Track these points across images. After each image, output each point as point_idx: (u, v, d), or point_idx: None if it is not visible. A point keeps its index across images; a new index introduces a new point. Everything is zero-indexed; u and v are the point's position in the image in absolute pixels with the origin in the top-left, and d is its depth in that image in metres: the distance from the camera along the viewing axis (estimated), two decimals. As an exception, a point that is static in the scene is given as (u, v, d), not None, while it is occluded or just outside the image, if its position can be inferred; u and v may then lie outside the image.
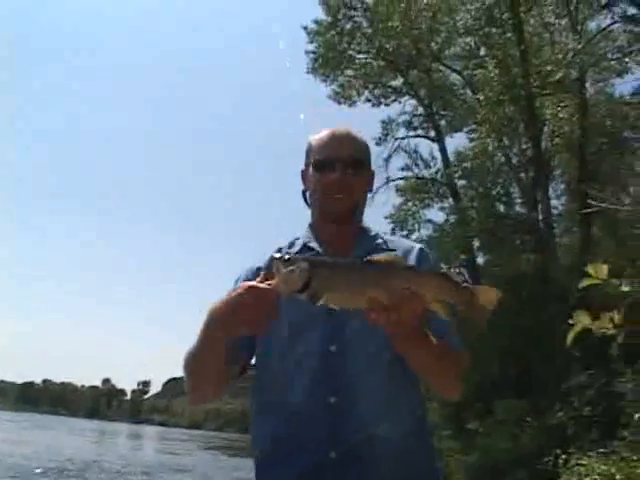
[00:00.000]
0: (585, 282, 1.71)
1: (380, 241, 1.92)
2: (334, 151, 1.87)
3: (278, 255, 1.44)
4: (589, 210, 11.91)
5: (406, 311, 1.37)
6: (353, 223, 1.90)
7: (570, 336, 1.85)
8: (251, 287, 1.45)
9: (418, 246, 1.92)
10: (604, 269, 1.69)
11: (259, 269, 1.79)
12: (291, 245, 1.91)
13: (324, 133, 1.93)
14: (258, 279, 1.48)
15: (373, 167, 2.02)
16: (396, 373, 1.71)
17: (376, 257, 1.45)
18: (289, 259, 1.42)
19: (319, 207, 1.91)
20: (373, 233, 1.96)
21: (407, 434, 1.70)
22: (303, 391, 1.68)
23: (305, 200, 1.98)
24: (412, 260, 1.83)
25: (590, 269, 1.67)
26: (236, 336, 1.54)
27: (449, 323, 1.80)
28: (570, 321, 1.80)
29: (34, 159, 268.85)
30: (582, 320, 1.81)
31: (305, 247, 1.88)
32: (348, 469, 1.61)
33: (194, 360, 1.66)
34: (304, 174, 1.96)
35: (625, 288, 1.71)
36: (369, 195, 2.02)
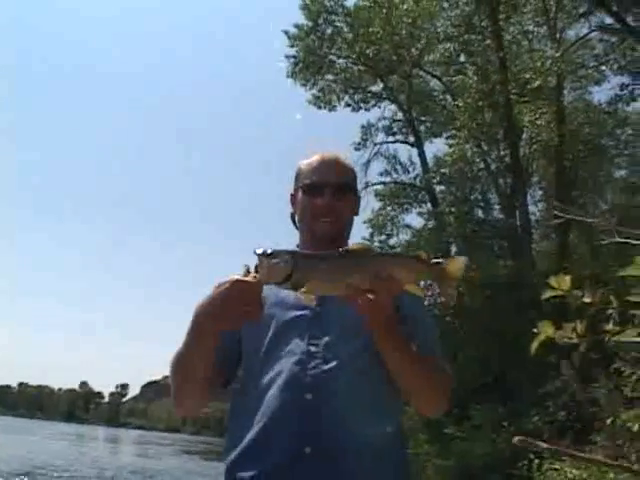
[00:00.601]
0: (547, 293, 1.73)
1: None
2: (323, 176, 1.93)
3: (260, 250, 1.48)
4: (561, 219, 12.00)
5: (383, 292, 1.47)
6: (341, 245, 1.88)
7: (534, 345, 1.88)
8: (236, 281, 1.48)
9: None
10: (567, 280, 1.72)
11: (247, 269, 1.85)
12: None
13: (313, 158, 1.98)
14: (240, 273, 1.51)
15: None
16: (375, 376, 1.73)
17: (352, 246, 1.54)
18: (272, 253, 1.47)
19: (307, 230, 1.96)
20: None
21: (382, 434, 1.72)
22: (281, 388, 1.70)
23: (294, 222, 2.03)
24: None
25: (552, 281, 1.69)
26: (224, 329, 1.56)
27: (437, 344, 1.86)
28: (535, 330, 1.83)
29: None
30: (546, 330, 1.84)
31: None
32: (322, 464, 1.63)
33: (182, 359, 1.68)
34: (293, 198, 2.01)
35: (586, 299, 1.74)
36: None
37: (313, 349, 1.73)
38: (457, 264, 1.59)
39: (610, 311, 1.81)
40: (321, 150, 2.03)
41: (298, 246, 1.99)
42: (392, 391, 1.79)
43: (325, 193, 1.90)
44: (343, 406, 1.67)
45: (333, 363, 1.71)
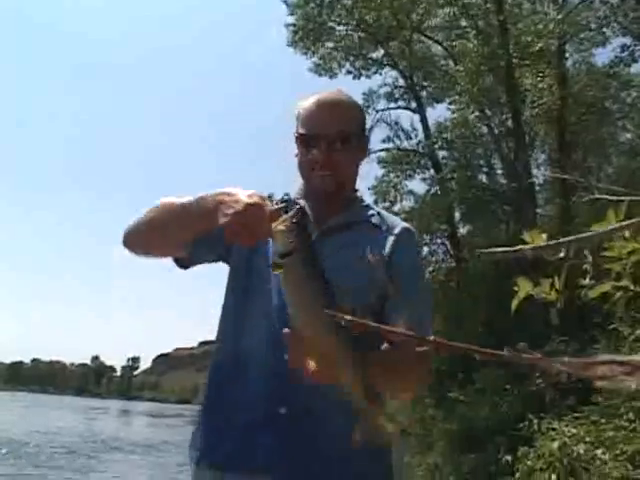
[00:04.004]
0: (519, 254, 1.73)
1: (368, 213, 1.90)
2: (319, 126, 1.81)
3: (302, 214, 1.44)
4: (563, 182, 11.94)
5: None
6: (340, 198, 1.87)
7: (514, 303, 1.89)
8: (261, 204, 1.44)
9: (404, 225, 1.91)
10: (542, 237, 1.72)
11: (269, 196, 1.83)
12: (285, 196, 1.90)
13: (311, 101, 1.87)
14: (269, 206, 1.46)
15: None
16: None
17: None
18: (303, 226, 1.44)
19: (306, 182, 1.89)
20: (364, 204, 1.95)
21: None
22: (258, 344, 1.70)
23: None
24: (391, 239, 1.83)
25: (526, 236, 1.70)
26: (212, 228, 1.52)
27: (425, 306, 1.82)
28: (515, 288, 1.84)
29: None
30: (524, 286, 1.85)
31: (293, 202, 1.84)
32: (297, 423, 1.64)
33: (165, 216, 1.68)
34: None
35: (561, 254, 1.75)
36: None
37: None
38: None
39: (585, 266, 1.82)
40: (321, 90, 1.94)
41: (298, 192, 1.92)
42: None
43: (321, 145, 1.79)
44: None
45: None
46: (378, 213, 1.92)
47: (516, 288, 1.84)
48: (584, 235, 1.11)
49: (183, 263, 1.83)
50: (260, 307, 1.75)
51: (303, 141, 1.83)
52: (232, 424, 1.68)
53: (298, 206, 1.47)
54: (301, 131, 1.84)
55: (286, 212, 1.44)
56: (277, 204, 1.49)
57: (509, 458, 7.73)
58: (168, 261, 1.80)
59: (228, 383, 1.72)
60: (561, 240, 1.16)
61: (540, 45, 13.52)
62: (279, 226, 1.41)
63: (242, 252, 1.79)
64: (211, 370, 1.85)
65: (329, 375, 1.41)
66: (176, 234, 1.69)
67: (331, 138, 1.79)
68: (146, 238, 1.77)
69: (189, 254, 1.78)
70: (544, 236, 1.73)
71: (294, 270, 1.42)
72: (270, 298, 1.74)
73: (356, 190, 1.98)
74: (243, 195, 1.46)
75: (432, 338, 0.75)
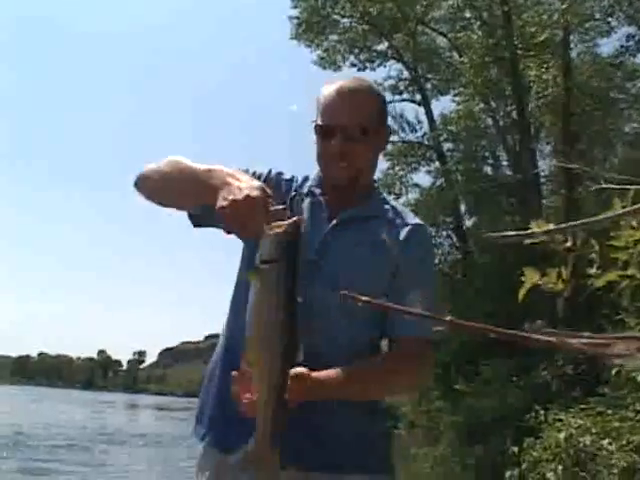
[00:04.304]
0: (530, 239, 1.74)
1: (384, 207, 1.88)
2: (337, 117, 1.78)
3: (296, 227, 1.44)
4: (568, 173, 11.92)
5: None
6: (357, 190, 1.85)
7: (521, 293, 1.89)
8: (261, 199, 1.43)
9: (417, 222, 1.88)
10: (549, 226, 1.73)
11: (291, 180, 1.88)
12: (304, 180, 1.90)
13: (331, 89, 1.81)
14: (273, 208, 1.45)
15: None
16: (364, 337, 1.75)
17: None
18: (292, 240, 1.44)
19: (322, 172, 1.87)
20: (381, 196, 1.94)
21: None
22: None
23: None
24: (406, 233, 1.81)
25: (533, 225, 1.70)
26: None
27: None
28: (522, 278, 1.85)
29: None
30: (531, 276, 1.86)
31: (310, 193, 1.86)
32: (297, 414, 1.58)
33: (175, 174, 1.69)
34: None
35: (569, 244, 1.75)
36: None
37: (299, 300, 1.63)
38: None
39: (592, 255, 1.82)
40: (343, 77, 1.89)
41: (315, 180, 1.90)
42: (378, 350, 1.82)
43: (337, 137, 1.75)
44: (327, 363, 1.64)
45: (321, 318, 1.68)
46: (393, 207, 1.90)
47: (523, 278, 1.85)
48: (592, 219, 1.12)
49: (193, 220, 1.83)
50: None
51: (321, 131, 1.80)
52: (231, 409, 1.67)
53: (296, 218, 1.46)
54: (319, 122, 1.81)
55: (284, 217, 1.44)
56: (280, 205, 1.49)
57: (515, 449, 7.74)
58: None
59: (227, 372, 1.71)
60: (571, 224, 1.16)
61: (544, 36, 13.50)
62: (270, 230, 1.41)
63: (250, 244, 1.79)
64: (214, 358, 1.87)
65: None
66: (182, 196, 1.71)
67: (349, 129, 1.76)
68: (156, 189, 1.79)
69: (197, 216, 1.79)
70: (551, 226, 1.74)
71: (268, 279, 1.42)
72: None
73: (374, 182, 1.97)
74: (248, 185, 1.45)
75: (449, 318, 0.76)
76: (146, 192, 1.81)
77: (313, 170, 1.93)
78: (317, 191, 1.86)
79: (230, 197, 1.42)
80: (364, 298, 0.82)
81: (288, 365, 1.44)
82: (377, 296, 1.67)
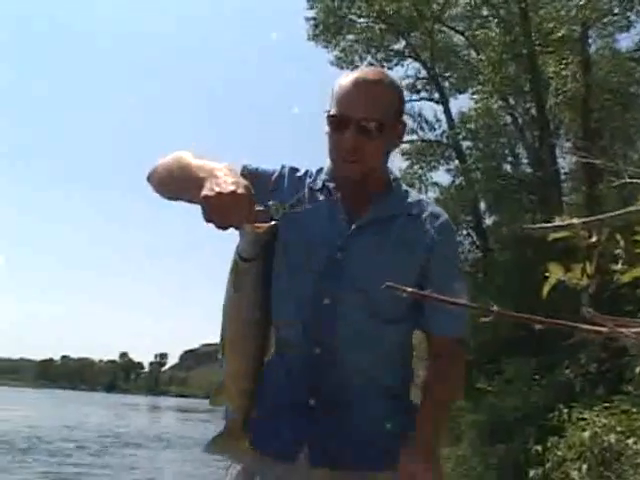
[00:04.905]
0: (553, 234, 1.71)
1: (408, 201, 1.84)
2: (352, 108, 1.71)
3: (272, 232, 1.43)
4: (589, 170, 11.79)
5: None
6: (367, 186, 1.80)
7: (545, 289, 1.87)
8: (244, 196, 1.40)
9: (444, 216, 1.85)
10: (573, 221, 1.70)
11: (305, 175, 1.85)
12: (318, 172, 1.86)
13: (348, 79, 1.75)
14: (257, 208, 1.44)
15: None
16: (390, 338, 1.72)
17: None
18: (268, 242, 1.43)
19: (332, 164, 1.82)
20: (402, 189, 1.88)
21: (388, 394, 1.73)
22: (291, 334, 1.66)
23: None
24: (432, 227, 1.78)
25: (557, 221, 1.67)
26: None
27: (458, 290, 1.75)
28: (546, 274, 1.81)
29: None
30: (555, 272, 1.83)
31: (325, 187, 1.82)
32: (324, 416, 1.64)
33: (178, 170, 1.67)
34: None
35: (593, 239, 1.72)
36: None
37: (326, 301, 1.67)
38: None
39: (617, 251, 1.80)
40: (363, 67, 1.84)
41: (328, 173, 1.85)
42: (405, 346, 1.80)
43: (351, 129, 1.69)
44: (351, 363, 1.65)
45: (345, 318, 1.67)
46: (417, 201, 1.85)
47: (547, 274, 1.82)
48: (618, 212, 1.10)
49: None
50: (292, 293, 1.71)
51: (333, 122, 1.74)
52: (260, 406, 1.66)
53: (274, 222, 1.45)
54: (332, 112, 1.74)
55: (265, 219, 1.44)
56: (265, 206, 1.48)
57: (539, 448, 7.67)
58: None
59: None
60: (598, 217, 1.14)
61: (562, 32, 13.39)
62: (251, 229, 1.41)
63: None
64: None
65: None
66: (182, 191, 1.67)
67: (364, 123, 1.70)
68: (161, 183, 1.78)
69: None
70: (575, 220, 1.71)
71: (244, 278, 1.42)
72: (302, 284, 1.71)
73: (395, 178, 1.91)
74: (236, 181, 1.43)
75: (494, 308, 0.75)
76: (154, 186, 1.81)
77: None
78: (331, 185, 1.81)
79: (216, 189, 1.40)
80: (409, 289, 0.82)
81: (258, 364, 1.45)
82: (399, 305, 1.68)
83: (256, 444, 1.63)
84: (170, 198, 1.80)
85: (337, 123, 1.73)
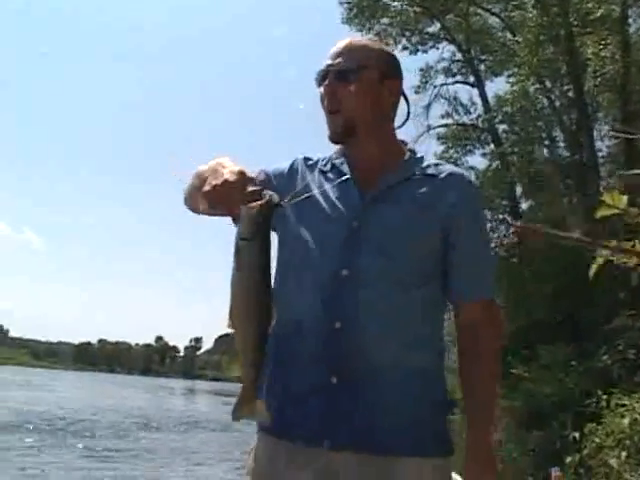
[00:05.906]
0: (602, 211, 1.66)
1: (423, 165, 1.78)
2: (327, 60, 1.75)
3: (268, 205, 1.49)
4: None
5: None
6: (353, 141, 1.77)
7: (593, 269, 1.83)
8: (237, 181, 1.47)
9: (462, 173, 1.81)
10: (623, 199, 1.64)
11: (308, 159, 1.86)
12: (327, 159, 1.86)
13: None
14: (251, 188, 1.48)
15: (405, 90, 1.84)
16: (414, 305, 1.64)
17: None
18: (265, 216, 1.49)
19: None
20: (418, 156, 1.82)
21: (416, 369, 1.64)
22: (309, 312, 1.64)
23: None
24: (452, 186, 1.72)
25: (606, 197, 1.62)
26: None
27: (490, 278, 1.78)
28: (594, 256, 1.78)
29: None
30: (603, 253, 1.79)
31: (334, 167, 1.81)
32: (347, 395, 1.58)
33: (194, 181, 1.72)
34: None
35: (641, 218, 1.66)
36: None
37: (345, 272, 1.63)
38: None
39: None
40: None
41: (337, 152, 1.86)
42: (435, 319, 1.72)
43: (328, 78, 1.73)
44: (373, 338, 1.59)
45: (366, 290, 1.61)
46: (436, 164, 1.80)
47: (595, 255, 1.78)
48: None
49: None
50: (308, 270, 1.70)
51: (317, 79, 1.77)
52: (284, 391, 1.66)
53: (269, 195, 1.49)
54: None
55: (260, 197, 1.50)
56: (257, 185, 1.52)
57: (576, 435, 7.58)
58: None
59: (281, 349, 1.68)
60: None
61: (601, 12, 13.10)
62: (244, 210, 1.47)
63: (290, 241, 1.75)
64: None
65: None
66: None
67: (336, 67, 1.72)
68: (191, 200, 1.80)
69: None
70: (625, 198, 1.66)
71: (246, 256, 1.49)
72: (318, 260, 1.68)
73: (410, 150, 1.85)
74: (229, 169, 1.49)
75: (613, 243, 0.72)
76: (190, 205, 1.86)
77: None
78: (338, 162, 1.81)
79: (213, 182, 1.47)
80: (538, 225, 0.78)
81: (264, 329, 1.52)
82: (427, 256, 1.66)
83: (283, 431, 1.64)
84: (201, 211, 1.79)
85: (320, 79, 1.76)
